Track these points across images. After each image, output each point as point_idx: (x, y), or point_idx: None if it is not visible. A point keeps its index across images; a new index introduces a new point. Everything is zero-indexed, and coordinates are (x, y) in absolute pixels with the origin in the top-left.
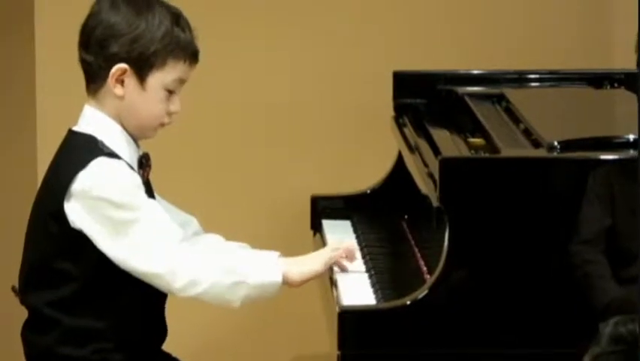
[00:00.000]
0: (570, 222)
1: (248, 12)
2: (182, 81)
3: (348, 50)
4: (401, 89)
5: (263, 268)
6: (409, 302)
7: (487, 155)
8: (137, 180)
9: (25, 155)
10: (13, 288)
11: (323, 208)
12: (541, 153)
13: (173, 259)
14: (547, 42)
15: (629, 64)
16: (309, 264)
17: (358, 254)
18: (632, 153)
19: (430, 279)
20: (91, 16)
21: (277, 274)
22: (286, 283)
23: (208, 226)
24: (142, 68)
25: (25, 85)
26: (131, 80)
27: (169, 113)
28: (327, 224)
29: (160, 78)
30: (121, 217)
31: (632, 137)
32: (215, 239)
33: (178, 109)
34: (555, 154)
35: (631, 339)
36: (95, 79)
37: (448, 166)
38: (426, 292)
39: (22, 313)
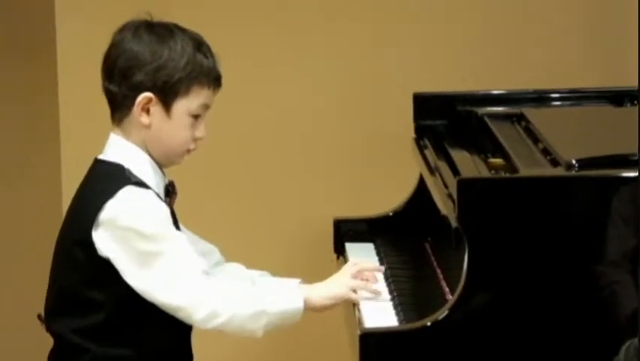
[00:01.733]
0: (591, 242)
1: (269, 37)
2: (206, 107)
3: (368, 73)
4: (421, 111)
5: (283, 296)
6: (429, 323)
7: (503, 174)
8: (164, 210)
9: (49, 183)
10: (39, 316)
11: (346, 231)
12: (559, 171)
13: (195, 292)
14: (567, 61)
15: None
16: (330, 289)
17: (380, 276)
18: None
19: (450, 300)
20: (113, 46)
21: (298, 300)
22: (308, 308)
23: (230, 251)
24: (167, 95)
25: (48, 113)
26: (156, 109)
27: (195, 139)
28: (350, 247)
29: (185, 105)
30: (147, 248)
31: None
32: (236, 268)
33: (203, 134)
34: (573, 172)
35: None
36: (119, 108)
37: (466, 187)
38: (446, 313)
39: (49, 342)
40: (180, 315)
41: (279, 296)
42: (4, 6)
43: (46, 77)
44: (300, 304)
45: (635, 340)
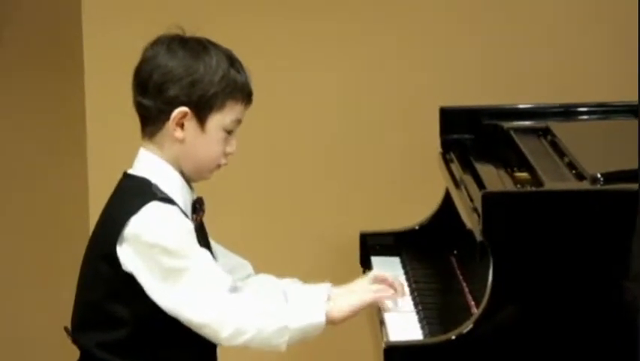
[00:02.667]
0: (615, 256)
1: (297, 50)
2: (239, 122)
3: (396, 88)
4: (448, 125)
5: (306, 311)
6: (454, 337)
7: (527, 188)
8: (188, 226)
9: (76, 195)
10: (65, 328)
11: (372, 245)
12: (584, 185)
13: (220, 309)
14: (593, 74)
15: None
16: (351, 301)
17: (406, 289)
18: None
19: (475, 314)
20: (146, 61)
21: (320, 314)
22: (329, 322)
23: (257, 265)
24: (202, 110)
25: (75, 125)
26: (191, 123)
27: (226, 154)
28: (376, 260)
29: (219, 120)
30: (171, 265)
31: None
32: (266, 278)
33: (234, 149)
34: (598, 186)
35: None
36: (152, 122)
37: (490, 200)
38: (471, 326)
39: (76, 353)
40: (205, 332)
41: (302, 311)
42: (31, 18)
43: (74, 89)
44: (322, 319)
45: None
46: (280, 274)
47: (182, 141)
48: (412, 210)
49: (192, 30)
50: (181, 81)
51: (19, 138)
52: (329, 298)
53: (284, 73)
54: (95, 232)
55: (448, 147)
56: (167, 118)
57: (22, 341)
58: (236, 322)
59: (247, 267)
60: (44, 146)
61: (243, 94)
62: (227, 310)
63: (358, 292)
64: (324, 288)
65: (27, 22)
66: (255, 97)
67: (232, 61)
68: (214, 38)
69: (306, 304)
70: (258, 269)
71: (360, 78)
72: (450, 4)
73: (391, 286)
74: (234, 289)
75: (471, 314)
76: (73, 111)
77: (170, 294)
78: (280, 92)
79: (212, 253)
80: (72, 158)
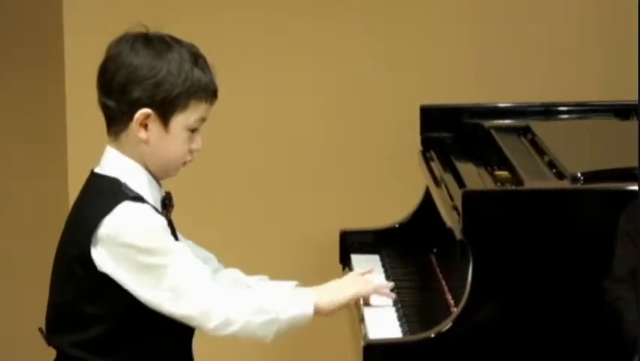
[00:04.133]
0: (596, 255)
1: (276, 49)
2: (203, 120)
3: (376, 86)
4: (428, 123)
5: (294, 302)
6: (433, 335)
7: (507, 187)
8: (162, 223)
9: (56, 197)
10: (40, 329)
11: (352, 243)
12: (564, 184)
13: (206, 300)
14: (574, 74)
15: None
16: (337, 295)
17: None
18: None
19: (454, 312)
20: (109, 60)
21: (309, 305)
22: (317, 313)
23: (237, 262)
24: (165, 111)
25: (55, 125)
26: (154, 124)
27: (191, 152)
28: (356, 258)
29: (183, 120)
30: (150, 262)
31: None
32: (234, 274)
33: (199, 147)
34: (578, 185)
35: None
36: (117, 123)
37: (471, 199)
38: (450, 324)
39: (51, 354)
40: (193, 324)
41: (290, 303)
42: (12, 19)
43: (54, 89)
44: (310, 311)
45: None
46: (260, 272)
47: (146, 142)
48: (392, 209)
49: (157, 27)
50: (144, 83)
51: None
52: None
53: (264, 72)
54: (66, 233)
55: (429, 145)
56: (131, 119)
57: None
58: (224, 312)
59: (213, 260)
60: (24, 147)
61: (207, 93)
62: (213, 300)
63: (346, 284)
64: (288, 287)
65: (7, 22)
66: (234, 96)
67: (196, 59)
68: (190, 36)
69: (294, 297)
70: (238, 268)
71: (339, 77)
72: (431, 5)
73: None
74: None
75: (450, 313)
76: (54, 111)
77: (154, 291)
78: (259, 91)
79: None
80: (52, 158)
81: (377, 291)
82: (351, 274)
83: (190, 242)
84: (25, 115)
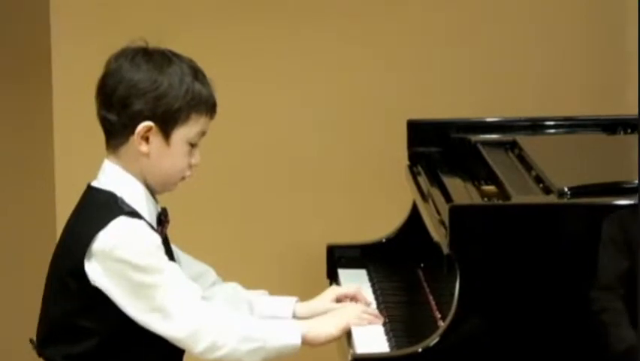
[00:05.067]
0: (583, 269)
1: (267, 62)
2: (203, 134)
3: (362, 99)
4: (415, 138)
5: (282, 332)
6: (420, 349)
7: (494, 202)
8: (157, 241)
9: (43, 208)
10: (31, 340)
11: (339, 257)
12: (551, 199)
13: (194, 324)
14: (561, 89)
15: None
16: (327, 328)
17: (373, 301)
18: (638, 198)
19: (441, 326)
20: (110, 74)
21: (296, 337)
22: (305, 344)
23: (224, 276)
24: (167, 124)
25: (42, 137)
26: (156, 137)
27: (190, 166)
28: (343, 273)
29: (184, 133)
30: (141, 280)
31: (637, 182)
32: (233, 288)
33: (198, 161)
34: (565, 200)
35: None
36: (117, 136)
37: (458, 213)
38: (437, 339)
39: None
40: (180, 345)
41: (278, 332)
42: None
43: (41, 102)
44: (298, 342)
45: None
46: (247, 286)
47: (147, 155)
48: (379, 223)
49: (156, 41)
50: (145, 96)
51: None
52: (294, 314)
53: (253, 86)
54: (60, 246)
55: (416, 159)
56: (132, 132)
57: None
58: (212, 337)
59: (211, 273)
60: (10, 156)
61: (207, 106)
62: (201, 324)
63: (337, 317)
64: (289, 302)
65: None
66: (224, 109)
67: (196, 73)
68: (183, 49)
69: (283, 327)
70: (225, 281)
71: (327, 91)
72: (419, 20)
73: (353, 298)
74: (204, 300)
75: (437, 327)
76: (41, 122)
77: (144, 310)
78: (247, 103)
79: (175, 262)
80: (39, 168)
81: (371, 323)
82: (347, 305)
83: (187, 256)
84: (12, 127)
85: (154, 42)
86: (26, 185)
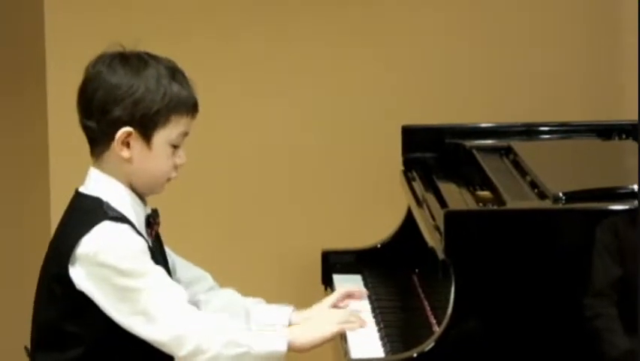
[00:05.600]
0: (578, 274)
1: (256, 65)
2: (185, 134)
3: (357, 105)
4: (410, 144)
5: (268, 339)
6: (415, 355)
7: (489, 207)
8: (141, 245)
9: (38, 215)
10: (25, 348)
11: (334, 263)
12: (546, 204)
13: (178, 327)
14: (556, 94)
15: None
16: (315, 333)
17: (367, 307)
18: (637, 203)
19: (436, 332)
20: (88, 81)
21: (282, 344)
22: (292, 350)
23: (219, 282)
24: (146, 128)
25: (37, 145)
26: (136, 142)
27: (175, 167)
28: (338, 279)
29: (165, 135)
30: (125, 284)
31: (637, 187)
32: (230, 295)
33: (184, 161)
34: (560, 205)
35: None
36: (99, 143)
37: (453, 219)
38: (432, 344)
39: None
40: (164, 350)
41: (264, 339)
42: None
43: (36, 107)
44: (283, 349)
45: None
46: (242, 291)
47: (129, 160)
48: (374, 229)
49: (133, 43)
50: (123, 102)
51: None
52: (290, 324)
53: (247, 92)
54: (48, 252)
55: (410, 165)
56: (113, 139)
57: None
58: (195, 341)
59: (208, 279)
60: (5, 158)
61: (187, 107)
62: (185, 328)
63: (323, 323)
64: (285, 311)
65: None
66: (215, 114)
67: (174, 73)
68: (177, 49)
69: (269, 334)
70: (221, 287)
71: (322, 96)
72: (414, 25)
73: (351, 296)
74: (193, 304)
75: (432, 332)
76: (36, 132)
77: (128, 314)
78: (241, 108)
79: (168, 266)
80: (34, 171)
81: (362, 326)
82: (325, 302)
83: (184, 261)
84: (7, 129)
85: (145, 43)
86: (21, 188)
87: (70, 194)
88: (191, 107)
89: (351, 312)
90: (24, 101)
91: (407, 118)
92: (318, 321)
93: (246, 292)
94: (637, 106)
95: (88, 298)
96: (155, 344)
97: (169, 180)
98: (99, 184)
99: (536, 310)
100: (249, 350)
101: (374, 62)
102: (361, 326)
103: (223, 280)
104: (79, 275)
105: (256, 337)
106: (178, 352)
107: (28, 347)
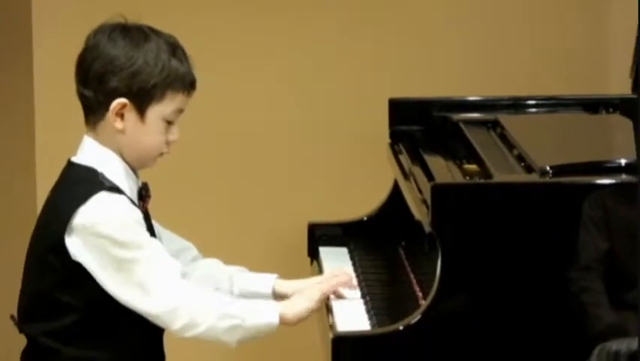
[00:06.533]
0: (564, 248)
1: (246, 40)
2: (180, 111)
3: (344, 78)
4: (397, 117)
5: (260, 311)
6: (401, 327)
7: (476, 180)
8: (138, 216)
9: (24, 184)
10: (12, 316)
11: (320, 236)
12: (533, 178)
13: (172, 300)
14: (543, 68)
15: (624, 89)
16: (303, 302)
17: (355, 281)
18: (624, 177)
19: (423, 304)
20: (88, 50)
21: (274, 316)
22: (282, 323)
23: (204, 253)
24: (142, 101)
25: (23, 117)
26: (131, 114)
27: (168, 143)
28: (324, 251)
29: (159, 110)
30: (122, 256)
31: (624, 161)
32: (213, 264)
33: (177, 138)
34: (547, 179)
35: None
36: (94, 113)
37: (440, 192)
38: (419, 317)
39: (21, 341)
40: (158, 322)
41: (256, 312)
42: None
43: (22, 81)
44: (275, 321)
45: (607, 344)
46: (229, 264)
47: (122, 132)
48: (361, 202)
49: (136, 19)
50: (121, 73)
51: None
52: (274, 292)
53: (236, 67)
54: (40, 221)
55: (397, 138)
56: (107, 109)
57: None
58: (189, 315)
59: (192, 250)
60: None
61: (184, 84)
62: (179, 301)
63: (310, 293)
64: (269, 279)
65: None
66: (204, 87)
67: (174, 49)
68: (159, 25)
69: (260, 306)
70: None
71: (309, 69)
72: (402, 1)
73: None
74: (183, 276)
75: (419, 305)
76: (21, 104)
77: (123, 285)
78: (229, 82)
79: (156, 237)
80: (19, 144)
81: (340, 284)
82: (318, 282)
83: (168, 232)
84: None
85: (136, 19)
86: (6, 160)
87: (56, 164)
88: (188, 85)
89: (332, 275)
90: (10, 77)
91: (394, 91)
92: (305, 293)
93: (232, 265)
94: (626, 80)
95: (82, 269)
96: (149, 317)
97: (161, 154)
98: (93, 154)
99: (522, 284)
100: (241, 322)
101: (362, 35)
102: (348, 283)
103: (209, 253)
104: (75, 246)
105: (249, 309)
106: (172, 325)
107: (15, 315)
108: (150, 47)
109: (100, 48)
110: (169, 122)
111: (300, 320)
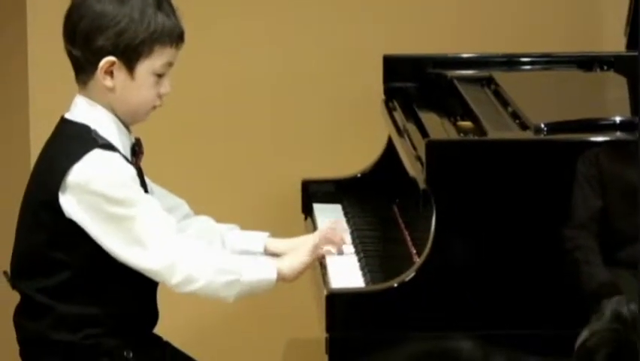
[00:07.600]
0: (558, 205)
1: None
2: (170, 64)
3: (337, 34)
4: (391, 73)
5: (258, 267)
6: (396, 285)
7: (470, 137)
8: (132, 172)
9: (18, 142)
10: (5, 273)
11: (314, 192)
12: (527, 135)
13: (170, 256)
14: (537, 25)
15: (618, 47)
16: (299, 257)
17: (348, 238)
18: (618, 134)
19: (417, 262)
20: (74, 8)
21: (272, 271)
22: (280, 279)
23: (197, 210)
24: (130, 58)
25: (17, 76)
26: (120, 72)
27: (159, 96)
28: (318, 208)
29: (148, 65)
30: (117, 213)
31: (618, 119)
32: (205, 221)
33: (168, 90)
34: (541, 136)
35: (630, 319)
36: (83, 71)
37: (434, 148)
38: (413, 274)
39: (14, 298)
40: (156, 278)
41: (254, 267)
42: None
43: (16, 40)
44: (274, 276)
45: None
46: (221, 221)
47: (112, 89)
48: (355, 158)
49: None
50: (107, 31)
51: None
52: (266, 249)
53: (225, 24)
54: (34, 178)
55: (392, 94)
56: (96, 67)
57: None
58: (188, 270)
59: (184, 207)
60: None
61: (172, 37)
62: (176, 257)
63: (303, 247)
64: (261, 237)
65: None
66: (196, 47)
67: (160, 3)
68: None
69: (259, 261)
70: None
71: (301, 27)
72: None
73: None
74: (177, 232)
75: (413, 262)
76: (15, 62)
77: (119, 241)
78: (221, 42)
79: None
80: (13, 100)
81: (331, 234)
82: (312, 235)
83: (161, 189)
84: None
85: None
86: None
87: (49, 120)
88: (175, 38)
89: (327, 229)
90: (3, 34)
91: (388, 47)
92: (300, 249)
93: (225, 221)
94: (620, 38)
95: (75, 226)
96: (147, 273)
97: (154, 108)
98: (86, 112)
99: (516, 242)
100: (239, 277)
101: None
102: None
103: (202, 210)
104: (70, 203)
105: (247, 264)
106: (170, 280)
107: (8, 272)
108: (135, 3)
109: (86, 6)
110: (159, 75)
111: (298, 276)
